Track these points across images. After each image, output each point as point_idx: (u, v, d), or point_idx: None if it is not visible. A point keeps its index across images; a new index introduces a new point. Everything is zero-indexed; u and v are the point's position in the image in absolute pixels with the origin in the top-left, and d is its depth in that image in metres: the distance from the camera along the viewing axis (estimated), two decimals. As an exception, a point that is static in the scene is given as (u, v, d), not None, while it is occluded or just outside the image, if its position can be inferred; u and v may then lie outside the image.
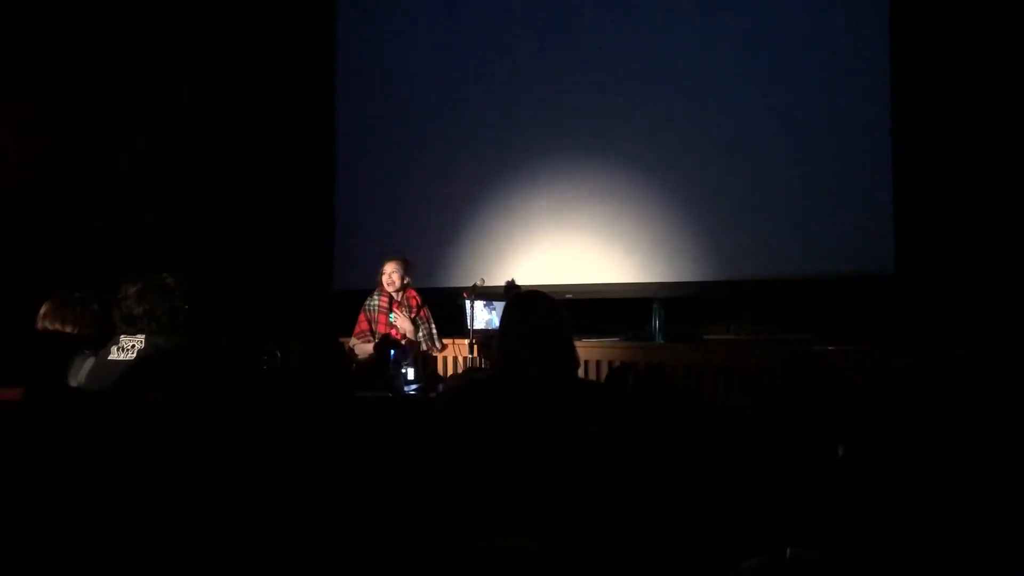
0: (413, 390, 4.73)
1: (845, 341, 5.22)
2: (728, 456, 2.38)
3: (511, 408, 2.44)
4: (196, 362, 3.04)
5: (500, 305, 5.58)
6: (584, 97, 6.76)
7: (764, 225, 6.14)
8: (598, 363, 5.60)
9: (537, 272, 6.68)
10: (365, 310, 5.62)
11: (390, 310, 5.58)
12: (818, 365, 3.68)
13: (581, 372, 5.20)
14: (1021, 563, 1.73)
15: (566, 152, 6.77)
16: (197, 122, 7.58)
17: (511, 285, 5.90)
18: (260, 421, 2.39)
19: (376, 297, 5.63)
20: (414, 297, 5.72)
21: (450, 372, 5.77)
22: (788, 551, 1.78)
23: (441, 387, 4.94)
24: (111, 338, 3.16)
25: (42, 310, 3.56)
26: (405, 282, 5.66)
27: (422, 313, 5.71)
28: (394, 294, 5.63)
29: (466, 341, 5.75)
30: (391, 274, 5.62)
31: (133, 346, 3.07)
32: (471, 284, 5.92)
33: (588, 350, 5.58)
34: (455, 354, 5.86)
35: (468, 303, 5.77)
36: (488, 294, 5.86)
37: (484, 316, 5.78)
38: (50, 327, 3.49)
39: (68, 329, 3.49)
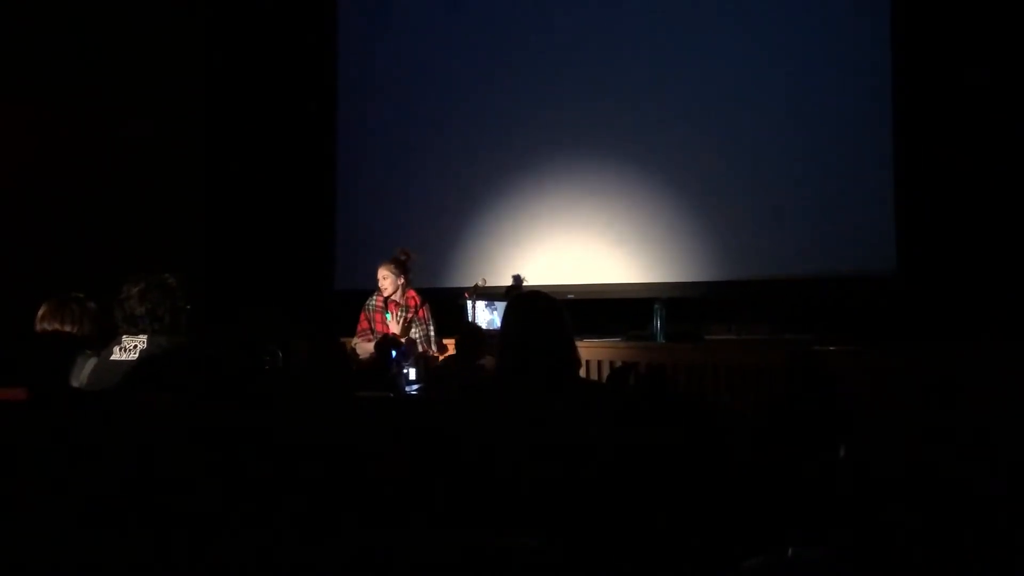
0: (414, 390, 4.73)
1: (847, 341, 5.23)
2: (729, 455, 2.38)
3: (512, 408, 2.45)
4: (198, 362, 3.04)
5: (502, 305, 5.58)
6: (585, 97, 6.75)
7: (765, 225, 6.14)
8: (599, 363, 5.61)
9: (538, 272, 6.68)
10: (365, 310, 5.62)
11: (386, 310, 5.56)
12: (818, 365, 3.68)
13: (583, 372, 5.21)
14: (1022, 563, 1.73)
15: (567, 152, 6.77)
16: (197, 122, 7.59)
17: (516, 282, 5.89)
18: (261, 421, 2.40)
19: (373, 297, 5.62)
20: (413, 297, 5.66)
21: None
22: (789, 551, 1.78)
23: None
24: (113, 338, 3.17)
25: (40, 311, 3.56)
26: (400, 283, 5.60)
27: (420, 313, 5.64)
28: (384, 289, 5.60)
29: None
30: (382, 280, 5.58)
31: (136, 346, 3.07)
32: (472, 284, 5.92)
33: (590, 350, 5.58)
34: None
35: (470, 303, 5.77)
36: (489, 294, 5.86)
37: (486, 316, 5.79)
38: (49, 328, 3.49)
39: (67, 328, 3.49)
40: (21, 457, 2.19)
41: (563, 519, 1.96)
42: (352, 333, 5.62)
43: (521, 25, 7.07)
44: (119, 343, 3.10)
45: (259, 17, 7.77)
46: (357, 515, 1.98)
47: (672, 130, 6.48)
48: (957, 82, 5.55)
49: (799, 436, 2.73)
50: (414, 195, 7.34)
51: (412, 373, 4.75)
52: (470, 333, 4.81)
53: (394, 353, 4.47)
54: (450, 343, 5.80)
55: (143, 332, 3.08)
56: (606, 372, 5.48)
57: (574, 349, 2.80)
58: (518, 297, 3.01)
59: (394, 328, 5.51)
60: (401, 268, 5.62)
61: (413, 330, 5.57)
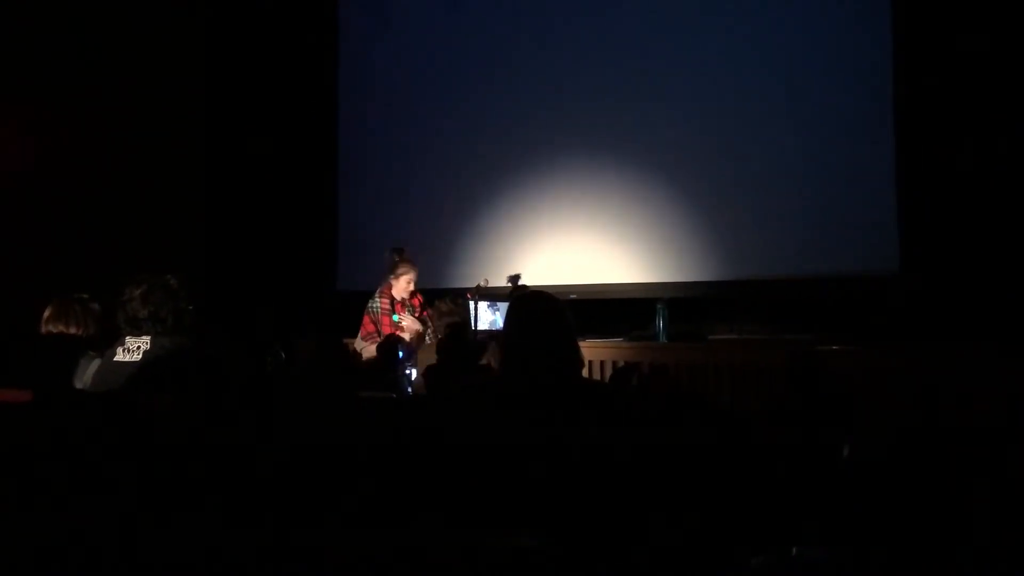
0: (412, 375, 4.73)
1: (849, 341, 5.23)
2: (733, 455, 2.38)
3: (515, 408, 2.45)
4: (201, 363, 3.05)
5: (504, 305, 5.56)
6: (586, 97, 6.76)
7: (767, 225, 6.14)
8: (602, 363, 5.61)
9: (541, 272, 6.68)
10: (369, 312, 5.54)
11: (392, 311, 5.52)
12: (820, 365, 3.68)
13: (585, 372, 5.21)
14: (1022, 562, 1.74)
15: (569, 152, 6.77)
16: (198, 122, 7.59)
17: (515, 282, 5.87)
18: (264, 422, 2.40)
19: (377, 299, 5.56)
20: (417, 297, 5.67)
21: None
22: (794, 550, 1.78)
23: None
24: (116, 339, 3.17)
25: (45, 313, 3.57)
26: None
27: (424, 314, 5.65)
28: (399, 298, 5.56)
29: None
30: (408, 283, 5.52)
31: (139, 347, 3.07)
32: (475, 285, 5.92)
33: (592, 350, 5.58)
34: None
35: (472, 303, 5.76)
36: (492, 295, 5.85)
37: (488, 317, 5.78)
38: (54, 329, 3.50)
39: (72, 330, 3.50)
40: (25, 458, 2.19)
41: (567, 519, 1.96)
42: (354, 333, 5.60)
43: (522, 25, 7.07)
44: (122, 344, 3.10)
45: (259, 18, 7.77)
46: (359, 515, 1.98)
47: (674, 130, 6.47)
48: (958, 82, 5.55)
49: (801, 436, 2.73)
50: (415, 195, 7.35)
51: (414, 373, 4.75)
52: (454, 335, 4.61)
53: (400, 354, 4.45)
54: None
55: (146, 334, 3.09)
56: (609, 372, 5.48)
57: (577, 349, 2.80)
58: (521, 297, 3.01)
59: (412, 324, 5.45)
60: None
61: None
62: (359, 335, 5.54)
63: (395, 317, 5.47)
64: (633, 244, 6.56)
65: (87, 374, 3.16)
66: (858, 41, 5.96)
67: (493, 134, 7.09)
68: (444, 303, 5.19)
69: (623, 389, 3.79)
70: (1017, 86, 5.42)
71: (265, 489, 2.07)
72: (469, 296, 5.81)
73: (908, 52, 5.75)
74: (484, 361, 4.29)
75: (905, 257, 5.70)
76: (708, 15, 6.45)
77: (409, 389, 4.29)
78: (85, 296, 3.57)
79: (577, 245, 6.75)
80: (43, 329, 3.54)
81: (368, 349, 5.38)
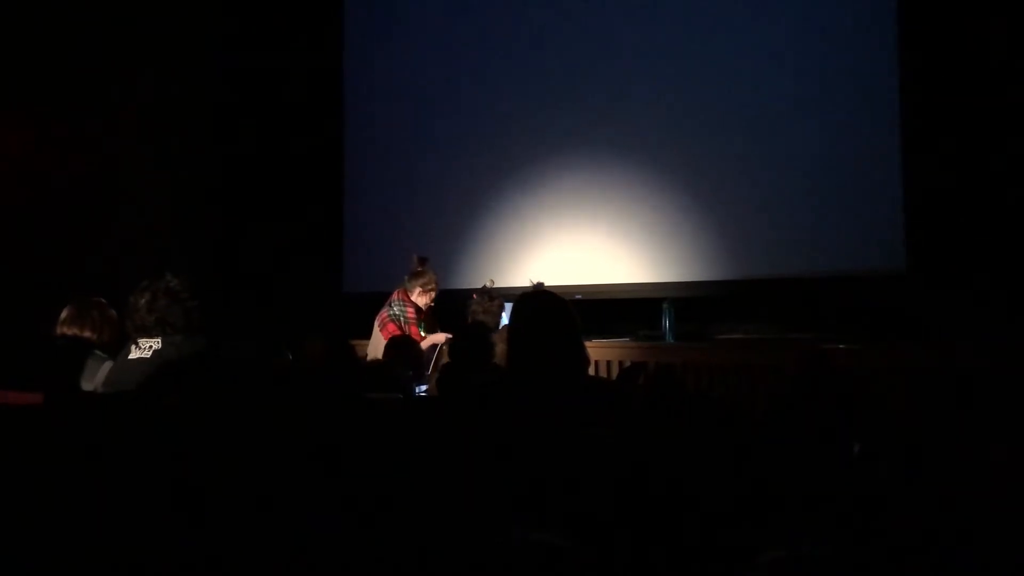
0: (424, 391, 4.73)
1: (856, 339, 5.22)
2: (741, 453, 2.39)
3: (524, 406, 2.46)
4: (211, 363, 3.06)
5: (510, 306, 5.54)
6: (591, 98, 6.76)
7: (774, 224, 6.13)
8: (608, 363, 5.62)
9: (547, 272, 6.64)
10: (395, 319, 5.40)
11: (419, 321, 5.46)
12: (828, 364, 3.68)
13: (592, 372, 5.22)
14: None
15: (576, 152, 6.78)
16: (207, 127, 7.61)
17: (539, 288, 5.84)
18: (273, 423, 2.41)
19: (403, 306, 5.45)
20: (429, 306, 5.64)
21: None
22: (802, 547, 1.79)
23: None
24: (129, 340, 3.18)
25: (63, 315, 3.60)
26: None
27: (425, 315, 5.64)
28: (423, 305, 5.54)
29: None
30: (432, 293, 5.49)
31: (150, 347, 3.09)
32: (481, 286, 5.92)
33: (599, 350, 5.59)
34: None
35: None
36: (499, 295, 5.85)
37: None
38: (68, 332, 3.53)
39: (87, 334, 3.53)
40: (36, 461, 2.20)
41: (577, 517, 1.97)
42: (361, 334, 5.59)
43: (528, 25, 7.08)
44: (135, 343, 3.12)
45: (267, 23, 7.79)
46: (371, 514, 1.99)
47: (680, 129, 6.47)
48: (965, 79, 5.54)
49: (809, 435, 2.73)
50: (421, 196, 7.36)
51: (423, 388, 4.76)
52: (467, 335, 4.58)
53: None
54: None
55: (158, 336, 3.10)
56: (615, 372, 5.49)
57: (582, 348, 2.81)
58: (524, 297, 3.02)
59: (437, 337, 5.40)
60: None
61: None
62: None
63: (421, 326, 5.43)
64: (639, 244, 6.56)
65: (99, 375, 3.18)
66: (865, 40, 5.95)
67: (499, 134, 7.10)
68: (479, 303, 5.16)
69: (631, 388, 3.79)
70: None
71: (275, 489, 2.08)
72: (475, 297, 5.81)
73: (915, 51, 5.74)
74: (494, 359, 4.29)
75: (911, 256, 5.69)
76: (716, 15, 6.45)
77: (420, 390, 4.29)
78: (103, 301, 3.59)
79: (583, 245, 6.75)
80: (58, 330, 3.56)
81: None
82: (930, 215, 5.64)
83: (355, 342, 5.42)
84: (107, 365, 3.20)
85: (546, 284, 5.98)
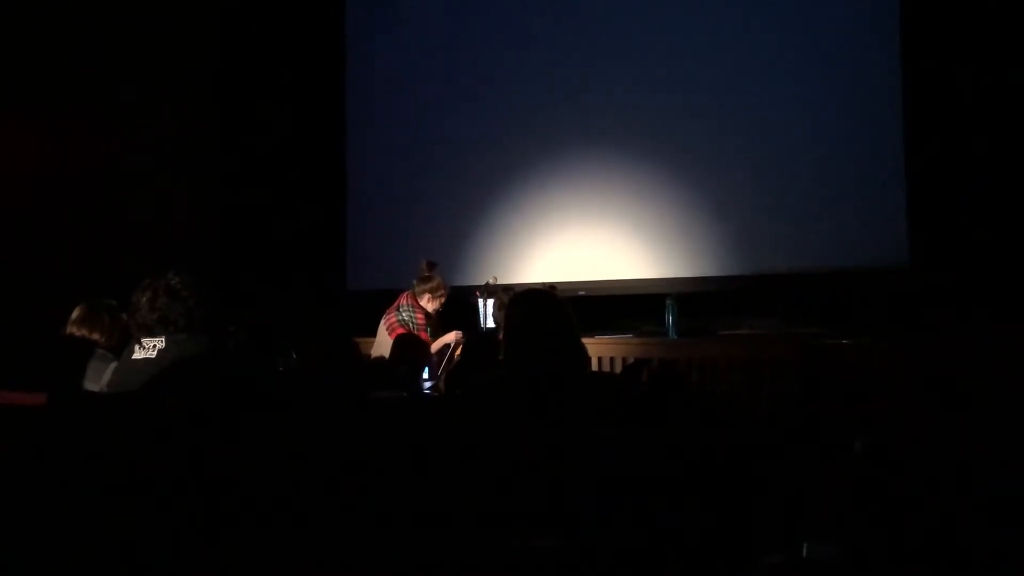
0: (428, 387, 4.74)
1: (860, 334, 5.22)
2: (744, 452, 2.39)
3: (525, 406, 2.46)
4: (215, 362, 3.06)
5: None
6: (596, 92, 6.74)
7: (777, 219, 6.12)
8: (612, 360, 5.61)
9: (549, 269, 6.69)
10: (404, 325, 5.35)
11: (427, 327, 5.43)
12: (830, 358, 3.68)
13: (594, 369, 5.22)
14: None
15: (580, 148, 6.77)
16: (210, 124, 7.61)
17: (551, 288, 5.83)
18: (277, 422, 2.41)
19: (411, 311, 5.40)
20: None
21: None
22: (804, 547, 1.79)
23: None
24: (132, 340, 3.19)
25: (74, 315, 3.59)
26: None
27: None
28: (432, 311, 5.50)
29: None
30: (443, 299, 5.48)
31: (154, 346, 3.09)
32: (484, 283, 5.92)
33: (602, 347, 5.59)
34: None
35: (481, 301, 5.77)
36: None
37: (499, 315, 5.77)
38: (77, 333, 3.53)
39: (95, 336, 3.52)
40: (39, 462, 2.21)
41: (578, 517, 1.97)
42: (366, 333, 5.59)
43: (531, 22, 7.06)
44: (138, 342, 3.12)
45: (268, 17, 7.78)
46: (372, 515, 2.00)
47: (682, 125, 6.46)
48: (969, 72, 5.52)
49: (814, 431, 2.74)
50: (425, 193, 7.35)
51: (425, 371, 4.77)
52: (486, 339, 4.63)
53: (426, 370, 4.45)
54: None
55: (161, 335, 3.10)
56: (619, 369, 5.48)
57: (580, 344, 2.81)
58: (519, 296, 3.02)
59: (448, 336, 5.39)
60: None
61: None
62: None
63: (428, 330, 5.39)
64: (642, 240, 6.55)
65: (105, 375, 3.17)
66: (869, 34, 5.94)
67: (502, 131, 7.09)
68: (501, 298, 5.14)
69: (634, 385, 3.79)
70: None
71: (278, 490, 2.08)
72: (477, 294, 5.82)
73: (918, 43, 5.73)
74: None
75: (916, 249, 5.68)
76: (720, 11, 6.43)
77: (427, 387, 4.31)
78: (114, 304, 3.59)
79: (586, 241, 6.74)
80: (67, 330, 3.56)
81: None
82: (934, 210, 5.62)
83: (359, 340, 5.44)
84: (113, 365, 3.20)
85: (549, 281, 6.00)
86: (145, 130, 6.92)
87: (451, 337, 5.31)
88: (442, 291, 5.49)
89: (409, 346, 4.59)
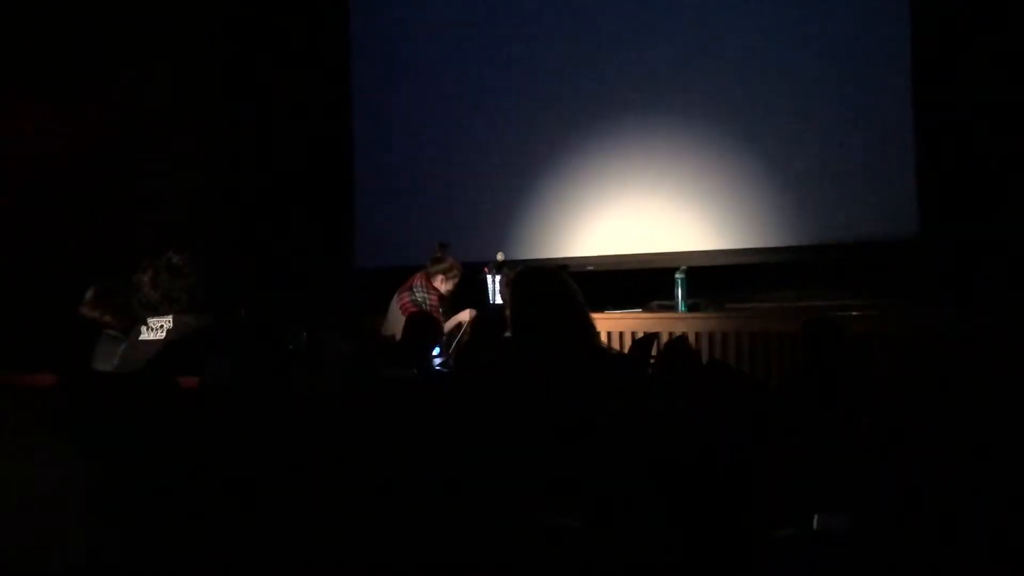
0: (438, 364, 4.75)
1: (869, 306, 5.21)
2: (755, 423, 2.39)
3: (540, 380, 2.46)
4: (224, 341, 3.08)
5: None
6: (608, 67, 6.70)
7: (785, 191, 6.10)
8: (621, 334, 5.61)
9: (559, 244, 6.68)
10: (418, 304, 5.37)
11: (441, 307, 5.45)
12: (836, 331, 3.66)
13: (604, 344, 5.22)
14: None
15: (585, 125, 6.74)
16: (218, 103, 7.59)
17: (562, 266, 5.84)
18: (286, 401, 2.42)
19: (425, 292, 5.42)
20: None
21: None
22: (815, 519, 1.79)
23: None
24: (138, 320, 3.20)
25: (87, 296, 3.60)
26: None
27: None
28: (446, 292, 5.51)
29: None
30: (456, 280, 5.50)
31: (162, 326, 3.11)
32: (492, 259, 5.92)
33: (611, 322, 5.59)
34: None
35: (489, 278, 5.77)
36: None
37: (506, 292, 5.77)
38: (90, 314, 3.54)
39: (107, 318, 3.54)
40: (50, 442, 2.22)
41: (590, 493, 1.97)
42: (374, 311, 5.60)
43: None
44: (145, 323, 3.13)
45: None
46: (385, 494, 2.00)
47: (690, 99, 6.42)
48: (978, 41, 5.48)
49: (820, 402, 2.73)
50: (433, 170, 7.33)
51: (436, 349, 4.78)
52: (494, 314, 4.64)
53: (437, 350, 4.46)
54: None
55: (166, 313, 3.12)
56: (628, 344, 5.48)
57: (586, 320, 2.82)
58: (521, 273, 3.03)
59: (461, 315, 5.41)
60: None
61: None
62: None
63: (441, 311, 5.42)
64: (649, 214, 6.53)
65: (115, 355, 3.19)
66: (878, 9, 5.89)
67: (511, 108, 7.05)
68: (508, 275, 5.14)
69: (644, 359, 3.79)
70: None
71: (290, 470, 2.09)
72: (486, 270, 5.82)
73: (927, 11, 5.68)
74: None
75: (925, 221, 5.65)
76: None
77: (436, 363, 4.32)
78: (133, 282, 3.60)
79: (593, 216, 6.72)
80: (80, 311, 3.58)
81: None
82: (944, 181, 5.59)
83: (369, 317, 5.45)
84: (123, 347, 3.22)
85: (558, 256, 6.00)
86: (154, 109, 6.92)
87: (465, 316, 5.33)
88: (455, 272, 5.50)
89: (421, 324, 4.59)
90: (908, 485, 1.94)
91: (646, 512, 1.86)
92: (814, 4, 6.09)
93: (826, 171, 5.99)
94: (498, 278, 5.64)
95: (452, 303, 5.55)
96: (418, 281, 5.46)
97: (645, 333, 5.50)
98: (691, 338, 5.32)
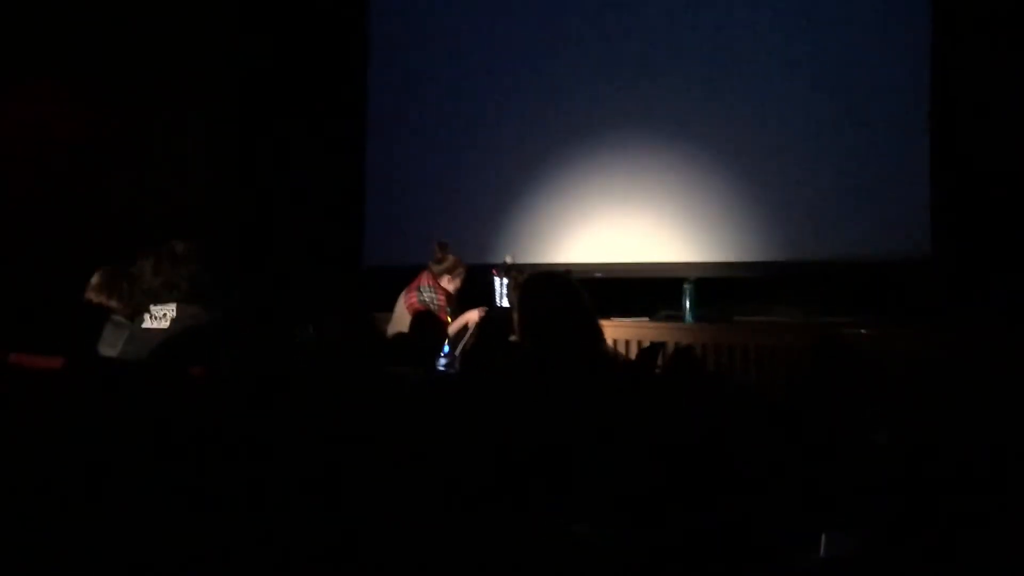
0: (443, 364, 4.74)
1: (878, 325, 5.18)
2: (758, 438, 2.37)
3: (547, 386, 2.45)
4: (230, 332, 3.06)
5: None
6: (617, 78, 6.69)
7: (797, 207, 6.08)
8: (627, 343, 5.59)
9: (566, 251, 6.66)
10: (425, 304, 5.35)
11: (447, 307, 5.45)
12: (846, 347, 3.65)
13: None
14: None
15: (598, 132, 6.71)
16: (230, 96, 7.60)
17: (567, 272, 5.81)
18: (294, 392, 2.41)
19: (433, 293, 5.42)
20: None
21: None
22: (824, 538, 1.77)
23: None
24: (141, 308, 3.19)
25: (93, 280, 3.59)
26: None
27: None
28: (454, 290, 5.49)
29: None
30: (461, 281, 5.49)
31: (165, 314, 3.09)
32: (501, 261, 5.90)
33: (617, 330, 5.57)
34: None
35: (497, 280, 5.75)
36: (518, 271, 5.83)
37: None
38: (95, 299, 3.53)
39: (112, 303, 3.53)
40: (56, 425, 2.21)
41: (606, 500, 1.96)
42: (383, 308, 5.59)
43: (555, 1, 7.02)
44: (148, 311, 3.12)
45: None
46: (391, 492, 1.99)
47: (704, 111, 6.40)
48: (995, 63, 5.46)
49: (826, 419, 2.71)
50: (444, 172, 7.32)
51: (445, 348, 4.76)
52: (500, 318, 4.63)
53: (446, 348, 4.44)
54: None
55: (169, 301, 3.11)
56: (634, 352, 5.46)
57: (594, 325, 2.81)
58: (531, 278, 3.02)
59: (468, 315, 5.42)
60: None
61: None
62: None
63: (448, 312, 5.42)
64: (660, 223, 6.51)
65: (119, 342, 3.18)
66: (895, 22, 5.87)
67: (527, 111, 7.04)
68: (516, 278, 5.13)
69: (649, 368, 3.78)
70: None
71: (292, 460, 2.07)
72: (495, 272, 5.80)
73: (947, 34, 5.66)
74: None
75: (937, 242, 5.63)
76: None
77: (441, 364, 4.30)
78: (134, 271, 3.59)
79: (603, 223, 6.71)
80: (86, 296, 3.57)
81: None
82: (956, 202, 5.57)
83: (376, 315, 5.43)
84: (126, 335, 3.21)
85: (566, 261, 5.98)
86: (169, 100, 6.93)
87: (473, 315, 5.32)
88: (460, 269, 5.50)
89: (427, 323, 4.58)
90: (916, 504, 1.93)
91: (655, 515, 1.85)
92: (832, 25, 6.07)
93: (840, 189, 5.97)
94: (505, 281, 5.63)
95: (459, 302, 5.54)
96: (425, 281, 5.45)
97: (651, 342, 5.50)
98: (697, 350, 5.30)
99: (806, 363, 4.43)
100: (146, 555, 1.88)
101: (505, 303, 5.57)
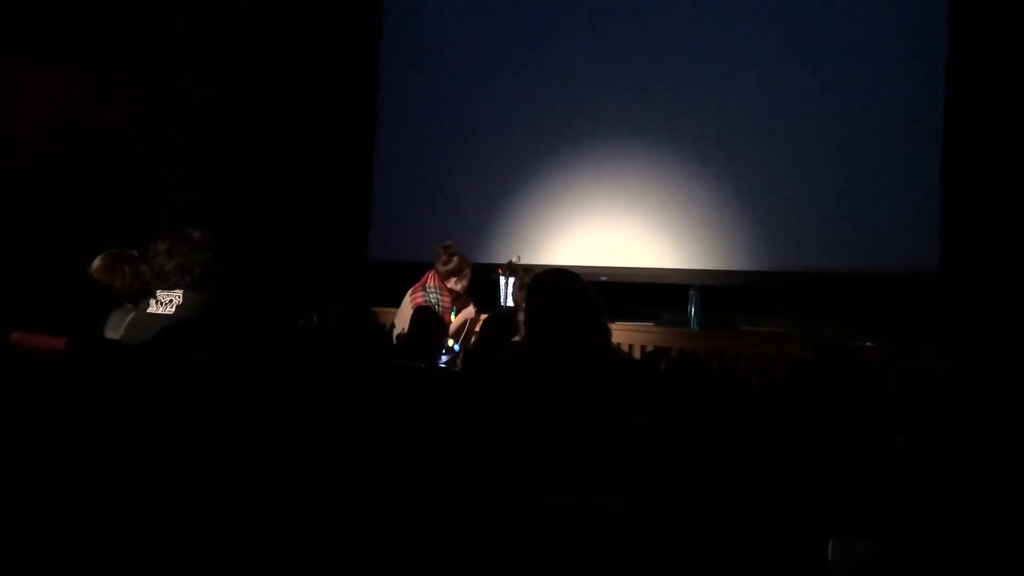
0: (445, 361, 4.73)
1: (884, 338, 5.16)
2: (760, 444, 2.35)
3: (553, 381, 2.43)
4: (235, 319, 3.06)
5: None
6: (627, 81, 6.68)
7: (806, 217, 6.06)
8: (631, 347, 5.58)
9: (572, 253, 6.64)
10: (431, 304, 5.35)
11: (452, 308, 5.45)
12: (847, 357, 3.62)
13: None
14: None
15: (612, 135, 6.70)
16: (239, 89, 7.60)
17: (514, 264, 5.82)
18: (296, 380, 2.39)
19: (439, 293, 5.41)
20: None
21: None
22: (831, 545, 1.75)
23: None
24: (147, 293, 3.18)
25: (95, 263, 3.59)
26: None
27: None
28: (460, 290, 5.50)
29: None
30: (466, 280, 5.50)
31: (171, 300, 3.09)
32: (507, 261, 5.90)
33: (621, 334, 5.55)
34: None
35: (502, 279, 5.75)
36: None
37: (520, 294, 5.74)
38: (100, 279, 3.52)
39: (116, 285, 3.52)
40: (59, 407, 2.20)
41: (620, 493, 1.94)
42: (386, 302, 5.58)
43: (566, 4, 7.01)
44: (154, 296, 3.12)
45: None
46: (392, 477, 1.97)
47: (715, 118, 6.38)
48: (1008, 77, 5.43)
49: (827, 429, 2.70)
50: (452, 169, 7.32)
51: (444, 348, 4.76)
52: (504, 317, 4.63)
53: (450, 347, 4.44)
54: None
55: (176, 287, 3.10)
56: (638, 356, 5.45)
57: (602, 324, 2.79)
58: (540, 275, 3.01)
59: (466, 311, 5.43)
60: None
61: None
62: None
63: (452, 313, 5.42)
64: (667, 229, 6.49)
65: (122, 326, 3.17)
66: (908, 32, 5.85)
67: (536, 110, 7.03)
68: (522, 278, 5.13)
69: (653, 372, 3.77)
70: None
71: (299, 447, 2.06)
72: (500, 272, 5.80)
73: (960, 46, 5.63)
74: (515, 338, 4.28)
75: (945, 256, 5.60)
76: (755, 6, 6.35)
77: (442, 361, 4.30)
78: (135, 255, 3.58)
79: (610, 227, 6.69)
80: (90, 272, 3.56)
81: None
82: (966, 216, 5.54)
83: (379, 310, 5.42)
84: (131, 316, 3.20)
85: (573, 264, 5.95)
86: (177, 87, 6.92)
87: (470, 312, 5.33)
88: (466, 269, 5.51)
89: (428, 319, 4.57)
90: (918, 514, 1.91)
91: (663, 514, 1.83)
92: (849, 36, 6.05)
93: (848, 199, 5.94)
94: (511, 280, 5.63)
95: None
96: (432, 281, 5.45)
97: (655, 347, 5.49)
98: (700, 356, 5.28)
99: (808, 370, 4.42)
100: (146, 538, 1.87)
101: (510, 303, 5.57)
